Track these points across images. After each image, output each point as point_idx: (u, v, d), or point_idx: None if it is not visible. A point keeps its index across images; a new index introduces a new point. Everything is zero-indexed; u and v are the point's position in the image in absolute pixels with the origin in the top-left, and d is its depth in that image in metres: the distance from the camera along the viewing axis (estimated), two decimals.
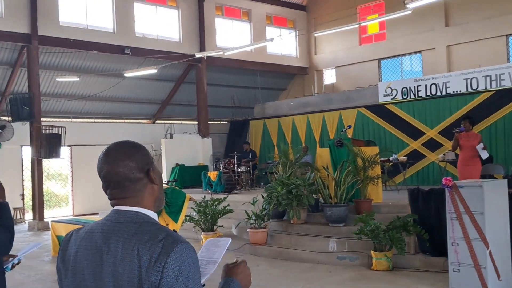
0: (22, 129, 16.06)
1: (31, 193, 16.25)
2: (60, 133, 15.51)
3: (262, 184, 16.22)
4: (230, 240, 2.15)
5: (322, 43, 22.72)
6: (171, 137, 19.08)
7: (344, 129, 11.47)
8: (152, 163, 1.89)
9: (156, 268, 1.61)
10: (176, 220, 7.65)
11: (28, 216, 16.80)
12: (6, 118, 16.51)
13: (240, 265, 1.93)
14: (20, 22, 15.12)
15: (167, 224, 7.72)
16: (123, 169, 1.80)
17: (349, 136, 12.08)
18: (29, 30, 15.23)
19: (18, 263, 3.46)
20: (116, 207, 1.80)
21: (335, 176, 9.65)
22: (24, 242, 12.72)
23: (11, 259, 3.41)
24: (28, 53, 15.42)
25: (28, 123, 15.45)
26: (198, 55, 17.38)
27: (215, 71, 20.12)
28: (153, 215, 1.79)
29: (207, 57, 17.97)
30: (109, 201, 1.85)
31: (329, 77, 22.77)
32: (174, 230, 1.84)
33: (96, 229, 1.77)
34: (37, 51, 15.43)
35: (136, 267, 1.63)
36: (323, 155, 11.06)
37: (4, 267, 3.33)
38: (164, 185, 6.66)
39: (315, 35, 20.30)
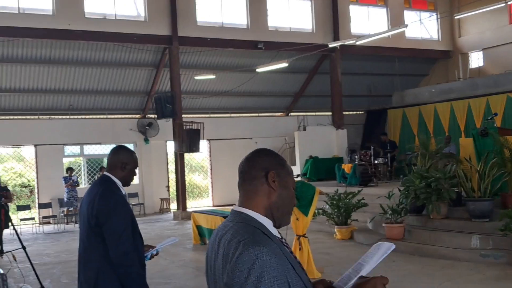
0: (166, 125, 17.55)
1: (175, 185, 17.66)
2: (199, 128, 16.61)
3: (401, 176, 15.74)
4: (394, 246, 2.01)
5: (466, 24, 21.31)
6: (304, 129, 19.35)
7: (489, 117, 10.72)
8: (280, 170, 1.95)
9: (230, 269, 1.72)
10: (306, 214, 7.82)
11: (173, 206, 18.32)
12: (152, 116, 18.14)
13: (371, 281, 1.86)
14: (161, 25, 16.47)
15: (297, 218, 7.93)
16: (248, 166, 1.95)
17: (496, 124, 11.24)
18: (170, 32, 16.51)
19: (157, 254, 3.78)
20: (234, 208, 1.96)
21: (478, 168, 9.08)
22: (169, 230, 13.95)
23: (150, 249, 3.74)
24: (169, 54, 16.73)
25: (171, 120, 16.80)
26: (332, 44, 17.35)
27: (350, 59, 19.93)
28: (258, 217, 1.87)
29: (341, 45, 17.88)
30: None
31: (475, 60, 21.30)
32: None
33: (219, 226, 1.96)
34: (177, 51, 16.68)
35: (223, 264, 1.78)
36: (466, 145, 10.45)
37: (145, 257, 3.71)
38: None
39: (456, 17, 19.09)
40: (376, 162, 15.76)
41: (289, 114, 21.60)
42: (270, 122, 20.81)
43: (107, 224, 3.36)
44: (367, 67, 21.03)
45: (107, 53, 16.66)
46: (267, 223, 1.89)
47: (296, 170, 17.51)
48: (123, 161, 3.56)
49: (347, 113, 20.40)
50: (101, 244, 3.38)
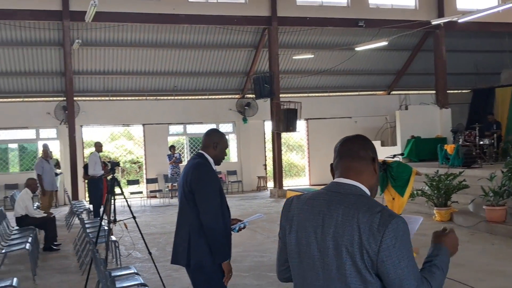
0: (264, 105, 17.95)
1: (272, 163, 18.08)
2: (296, 108, 16.79)
3: (508, 158, 14.89)
4: (422, 219, 2.33)
5: None
6: (406, 108, 18.83)
7: None
8: (376, 156, 2.18)
9: (376, 236, 1.90)
10: (402, 194, 7.77)
11: (270, 184, 18.79)
12: (251, 96, 18.61)
13: (449, 234, 2.15)
14: (261, 6, 16.75)
15: (393, 198, 7.90)
16: (357, 147, 2.15)
17: None
18: (270, 12, 16.75)
19: (244, 227, 4.09)
20: (337, 179, 2.12)
21: None
22: (265, 207, 14.39)
23: (238, 223, 4.07)
24: (269, 35, 17.01)
25: (269, 99, 17.14)
26: (435, 22, 16.61)
27: (455, 36, 19.00)
28: (367, 191, 2.09)
29: (446, 22, 17.06)
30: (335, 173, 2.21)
31: None
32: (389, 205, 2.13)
33: (318, 196, 2.12)
34: (276, 32, 16.91)
35: (356, 232, 1.93)
36: None
37: (232, 228, 4.04)
38: (389, 158, 6.86)
39: None
40: (481, 143, 15.02)
41: (391, 92, 21.10)
42: (371, 101, 20.50)
43: (198, 191, 3.83)
44: (473, 43, 19.95)
45: (208, 36, 17.30)
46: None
47: (397, 150, 17.14)
48: (214, 141, 4.01)
49: (451, 91, 19.54)
50: (194, 208, 3.85)
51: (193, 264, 3.85)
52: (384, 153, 10.51)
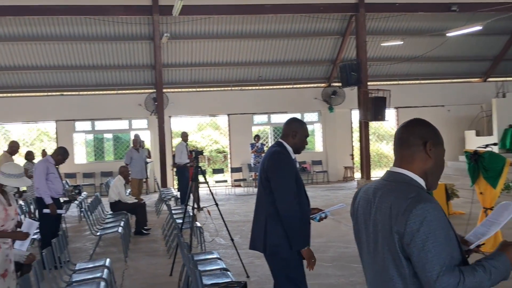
0: (351, 94, 17.69)
1: (359, 153, 17.81)
2: (385, 96, 16.38)
3: None
4: None
5: None
6: (504, 96, 17.79)
7: None
8: (436, 141, 2.18)
9: (401, 219, 1.99)
10: (494, 186, 7.38)
11: (358, 175, 18.53)
12: (337, 84, 18.41)
13: None
14: None
15: (481, 192, 7.53)
16: (406, 134, 2.21)
17: None
18: None
19: (325, 217, 4.10)
20: (391, 168, 2.23)
21: None
22: (351, 198, 14.17)
23: (319, 212, 4.09)
24: (356, 21, 16.71)
25: (356, 88, 16.87)
26: None
27: None
28: (417, 178, 2.14)
29: None
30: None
31: None
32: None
33: (372, 185, 2.26)
34: (364, 18, 16.56)
35: (387, 216, 2.06)
36: None
37: (313, 217, 4.07)
38: (481, 148, 6.51)
39: None
40: None
41: (487, 79, 19.99)
42: (464, 88, 19.56)
43: (274, 178, 3.91)
44: None
45: (294, 25, 17.30)
46: (423, 184, 2.17)
47: (494, 140, 16.26)
48: (293, 130, 4.07)
49: None
50: (270, 195, 3.94)
51: (269, 249, 3.95)
52: (479, 143, 10.02)
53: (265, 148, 17.77)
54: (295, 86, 19.21)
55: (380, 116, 16.44)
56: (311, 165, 18.50)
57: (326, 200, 13.57)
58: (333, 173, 18.86)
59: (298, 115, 18.32)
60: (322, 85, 19.29)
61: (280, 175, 3.89)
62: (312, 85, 19.32)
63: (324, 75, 19.28)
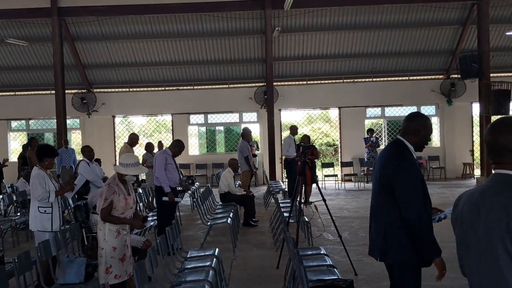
0: (471, 86, 16.68)
1: (479, 149, 16.78)
2: (509, 89, 15.25)
3: None
4: None
5: None
6: None
7: None
8: None
9: None
10: None
11: (478, 172, 17.48)
12: (456, 76, 17.45)
13: None
14: None
15: None
16: (503, 140, 2.20)
17: None
18: None
19: (444, 217, 3.78)
20: (495, 171, 2.23)
21: None
22: None
23: (438, 213, 3.80)
24: (478, 10, 15.70)
25: (476, 80, 15.86)
26: None
27: None
28: None
29: None
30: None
31: None
32: None
33: (476, 189, 2.26)
34: (487, 6, 15.51)
35: (504, 217, 2.03)
36: None
37: (432, 218, 3.83)
38: None
39: None
40: None
41: None
42: None
43: (398, 185, 3.61)
44: None
45: (410, 14, 16.66)
46: None
47: None
48: (416, 127, 3.74)
49: None
50: (391, 202, 3.67)
51: (392, 261, 3.76)
52: None
53: (380, 143, 17.35)
54: (411, 78, 18.50)
55: (503, 110, 15.32)
56: (427, 161, 17.76)
57: (442, 198, 12.97)
58: (451, 169, 17.96)
59: (414, 109, 17.68)
60: (440, 77, 18.39)
61: (406, 183, 3.59)
62: (429, 77, 18.49)
63: (442, 66, 18.36)
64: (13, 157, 17.98)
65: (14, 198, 11.01)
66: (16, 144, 18.96)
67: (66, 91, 16.99)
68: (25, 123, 19.15)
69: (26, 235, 9.51)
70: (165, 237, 6.01)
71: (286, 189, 12.99)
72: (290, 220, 7.55)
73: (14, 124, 19.20)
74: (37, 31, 16.92)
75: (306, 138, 12.52)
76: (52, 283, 5.61)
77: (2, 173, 13.70)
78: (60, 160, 14.11)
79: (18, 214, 10.42)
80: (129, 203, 5.42)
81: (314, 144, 16.73)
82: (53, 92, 16.80)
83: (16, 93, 18.74)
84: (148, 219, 8.55)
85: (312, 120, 21.15)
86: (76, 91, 18.26)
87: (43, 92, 18.38)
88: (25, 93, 18.69)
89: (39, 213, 6.14)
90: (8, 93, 18.78)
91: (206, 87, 18.62)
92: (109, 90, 18.62)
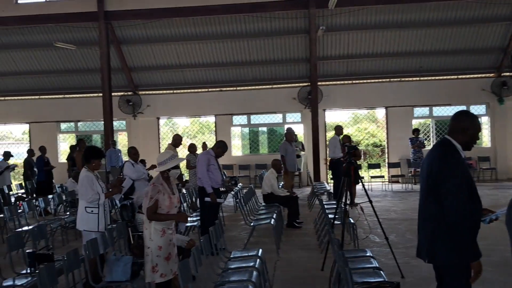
0: None
1: None
2: None
3: None
4: None
5: None
6: None
7: None
8: None
9: None
10: None
11: None
12: (508, 74, 16.88)
13: None
14: None
15: None
16: None
17: None
18: None
19: (496, 219, 3.70)
20: None
21: None
22: None
23: (489, 214, 3.68)
24: None
25: None
26: None
27: None
28: None
29: None
30: None
31: None
32: None
33: None
34: None
35: None
36: None
37: (482, 219, 3.73)
38: None
39: None
40: None
41: None
42: None
43: (444, 185, 3.56)
44: None
45: (458, 12, 16.24)
46: None
47: None
48: (464, 127, 3.69)
49: None
50: (438, 203, 3.62)
51: (439, 262, 3.71)
52: None
53: (426, 143, 16.97)
54: (459, 76, 18.00)
55: None
56: (477, 162, 17.24)
57: (493, 200, 12.55)
58: (503, 170, 17.37)
59: (463, 108, 17.19)
60: (491, 75, 17.82)
61: (451, 183, 3.54)
62: (479, 75, 17.94)
63: (493, 64, 17.78)
64: (63, 158, 18.56)
65: (64, 197, 11.37)
66: (65, 145, 19.55)
67: (113, 94, 17.42)
68: (74, 125, 19.72)
69: (75, 234, 9.76)
70: (208, 237, 6.05)
71: (331, 190, 12.87)
72: (335, 222, 7.46)
73: (63, 126, 19.79)
74: (84, 35, 17.40)
75: (346, 138, 12.40)
76: (100, 281, 5.74)
77: (52, 174, 14.16)
78: (110, 160, 14.65)
79: (68, 213, 10.74)
80: (174, 202, 5.48)
81: (356, 144, 16.53)
82: (101, 94, 17.26)
83: (65, 95, 19.32)
84: (190, 219, 8.65)
85: (358, 120, 20.92)
86: (122, 93, 18.69)
87: (91, 94, 18.89)
88: (74, 96, 19.25)
89: (86, 213, 6.30)
90: (57, 96, 19.38)
91: (249, 88, 18.68)
92: (154, 92, 18.95)
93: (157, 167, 5.54)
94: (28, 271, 5.98)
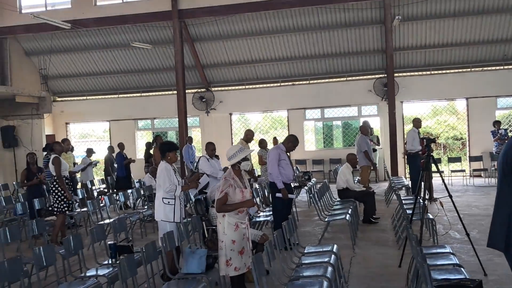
0: None
1: None
2: None
3: None
4: None
5: None
6: None
7: None
8: None
9: None
10: None
11: None
12: None
13: None
14: None
15: None
16: None
17: None
18: None
19: None
20: None
21: None
22: None
23: None
24: None
25: None
26: None
27: None
28: None
29: None
30: None
31: None
32: None
33: None
34: None
35: None
36: None
37: None
38: None
39: None
40: None
41: None
42: None
43: None
44: None
45: None
46: None
47: None
48: None
49: None
50: (511, 191, 3.54)
51: None
52: None
53: (510, 135, 16.13)
54: None
55: None
56: None
57: None
58: None
59: None
60: None
61: None
62: None
63: None
64: (140, 154, 19.29)
65: (142, 192, 11.83)
66: (143, 142, 20.30)
67: (187, 91, 17.88)
68: (150, 122, 20.43)
69: (153, 227, 10.15)
70: (281, 232, 6.09)
71: (409, 185, 12.55)
72: (414, 218, 7.27)
73: (140, 123, 20.56)
74: (159, 34, 17.97)
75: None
76: (176, 272, 5.94)
77: (130, 170, 14.77)
78: (188, 156, 15.40)
79: (145, 207, 11.17)
80: (246, 196, 5.57)
81: (436, 137, 16.00)
82: (175, 92, 17.77)
83: (142, 94, 20.05)
84: (262, 213, 8.72)
85: (437, 112, 20.22)
86: (195, 90, 19.14)
87: (166, 92, 19.48)
88: (150, 94, 19.95)
89: (163, 204, 6.58)
90: (135, 95, 20.16)
91: (323, 81, 18.53)
92: (226, 88, 19.26)
93: (228, 161, 5.65)
94: (110, 261, 6.29)
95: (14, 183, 15.11)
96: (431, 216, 7.91)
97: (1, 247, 6.88)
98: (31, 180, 10.57)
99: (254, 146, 15.78)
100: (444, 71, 17.59)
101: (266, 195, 11.33)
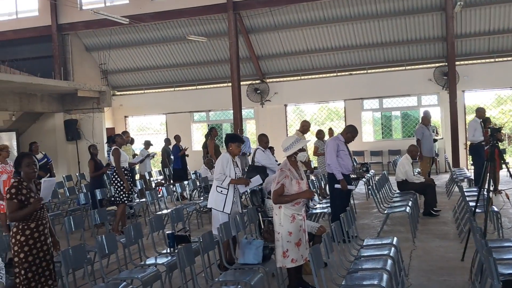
0: None
1: None
2: None
3: None
4: None
5: None
6: None
7: None
8: None
9: None
10: None
11: None
12: None
13: None
14: None
15: None
16: None
17: None
18: None
19: None
20: None
21: None
22: None
23: None
24: None
25: None
26: None
27: None
28: None
29: None
30: None
31: None
32: None
33: None
34: None
35: None
36: None
37: None
38: None
39: None
40: None
41: None
42: None
43: None
44: None
45: None
46: None
47: None
48: None
49: None
50: None
51: None
52: None
53: None
54: None
55: None
56: None
57: None
58: None
59: None
60: None
61: None
62: None
63: None
64: (196, 146, 19.58)
65: (198, 183, 12.02)
66: (198, 134, 20.58)
67: (241, 83, 17.96)
68: (206, 115, 20.68)
69: (209, 218, 10.27)
70: (339, 224, 6.03)
71: (472, 177, 12.13)
72: (477, 210, 7.03)
73: (196, 116, 20.85)
74: (214, 26, 18.13)
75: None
76: (233, 262, 6.00)
77: (186, 162, 15.00)
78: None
79: (201, 198, 11.34)
80: (302, 187, 5.54)
81: (500, 127, 15.36)
82: (230, 84, 17.89)
83: (197, 87, 20.32)
84: (318, 205, 8.65)
85: (501, 102, 19.41)
86: (250, 82, 19.19)
87: (221, 85, 19.65)
88: (205, 86, 20.19)
89: (216, 192, 6.76)
90: (190, 88, 20.45)
91: (381, 70, 18.16)
92: (281, 79, 19.21)
93: (284, 152, 5.63)
94: (168, 251, 6.43)
95: (77, 174, 15.69)
96: (496, 209, 7.63)
97: (66, 235, 7.15)
98: (99, 169, 10.97)
99: (310, 137, 15.70)
100: (510, 58, 16.86)
101: (323, 186, 11.26)
